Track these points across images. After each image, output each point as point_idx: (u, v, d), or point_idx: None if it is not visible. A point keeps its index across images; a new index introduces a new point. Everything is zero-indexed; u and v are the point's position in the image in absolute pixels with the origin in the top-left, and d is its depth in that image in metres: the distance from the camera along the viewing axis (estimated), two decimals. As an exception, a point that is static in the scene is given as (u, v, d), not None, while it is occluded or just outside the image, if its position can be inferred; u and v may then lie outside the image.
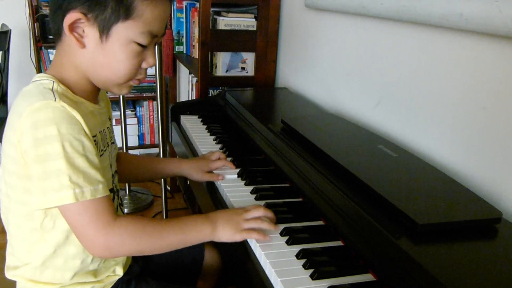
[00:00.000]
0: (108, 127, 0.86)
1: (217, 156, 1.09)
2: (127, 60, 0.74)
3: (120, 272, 0.87)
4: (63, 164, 0.66)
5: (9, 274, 0.81)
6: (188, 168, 1.06)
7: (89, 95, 0.79)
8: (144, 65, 0.78)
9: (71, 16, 0.70)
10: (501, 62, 0.83)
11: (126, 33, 0.72)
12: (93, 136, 0.74)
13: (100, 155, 0.77)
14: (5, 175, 0.75)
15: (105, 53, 0.73)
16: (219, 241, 0.80)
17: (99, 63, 0.74)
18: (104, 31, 0.71)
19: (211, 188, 1.05)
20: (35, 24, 2.39)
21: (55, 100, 0.68)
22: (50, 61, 2.50)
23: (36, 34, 2.41)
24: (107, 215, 0.71)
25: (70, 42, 0.73)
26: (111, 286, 0.86)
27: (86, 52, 0.73)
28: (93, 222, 0.70)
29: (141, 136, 2.82)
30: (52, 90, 0.71)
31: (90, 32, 0.72)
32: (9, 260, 0.82)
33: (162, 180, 2.01)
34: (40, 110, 0.67)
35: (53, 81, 0.73)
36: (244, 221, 0.80)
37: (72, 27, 0.71)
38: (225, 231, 0.79)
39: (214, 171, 1.06)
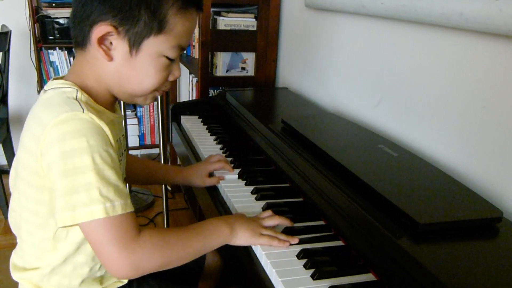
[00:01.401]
0: (123, 135, 0.84)
1: (217, 158, 1.09)
2: (156, 74, 0.72)
3: (125, 279, 0.86)
4: (93, 177, 0.63)
5: (15, 276, 0.80)
6: (188, 176, 1.06)
7: (109, 104, 0.76)
8: (170, 77, 0.76)
9: (102, 29, 0.67)
10: (501, 61, 0.83)
11: (157, 47, 0.70)
12: None
13: None
14: (19, 183, 0.72)
15: (133, 66, 0.71)
16: (234, 245, 0.79)
17: (125, 76, 0.72)
18: (135, 45, 0.69)
19: (212, 188, 1.05)
20: (35, 25, 2.39)
21: (83, 112, 0.65)
22: (51, 62, 2.51)
23: (37, 35, 2.41)
24: (133, 230, 0.67)
25: (96, 54, 0.70)
26: None
27: (112, 65, 0.71)
28: (118, 238, 0.65)
29: (141, 137, 2.82)
30: (76, 99, 0.68)
31: (118, 45, 0.69)
32: (17, 261, 0.80)
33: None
34: (68, 121, 0.64)
35: (77, 90, 0.70)
36: (261, 227, 0.80)
37: (102, 39, 0.69)
38: (242, 234, 0.78)
39: (215, 174, 1.06)
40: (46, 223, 0.72)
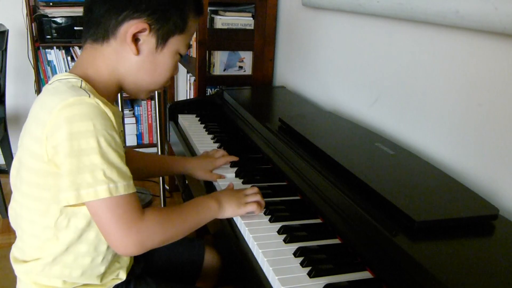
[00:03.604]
0: (122, 130, 0.85)
1: (221, 153, 1.11)
2: (171, 68, 0.81)
3: (123, 276, 0.87)
4: (98, 158, 0.66)
5: (16, 268, 0.81)
6: (193, 167, 1.08)
7: (111, 97, 0.79)
8: (174, 73, 0.84)
9: (138, 26, 0.73)
10: (496, 59, 0.83)
11: (177, 45, 0.79)
12: None
13: None
14: (22, 170, 0.74)
15: (155, 61, 0.78)
16: (223, 217, 0.86)
17: (145, 70, 0.78)
18: (162, 42, 0.76)
19: (209, 187, 1.05)
20: (33, 24, 2.39)
21: (89, 97, 0.69)
22: (48, 62, 2.50)
23: (34, 34, 2.41)
24: (138, 210, 0.71)
25: (118, 47, 0.75)
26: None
27: (135, 59, 0.76)
28: (125, 217, 0.69)
29: (139, 136, 2.82)
30: (81, 87, 0.72)
31: (147, 41, 0.75)
32: (17, 254, 0.81)
33: (160, 179, 2.01)
34: (75, 105, 0.66)
35: (81, 80, 0.73)
36: (245, 196, 0.88)
37: (135, 35, 0.74)
38: (229, 206, 0.86)
39: (216, 171, 1.07)
40: (48, 209, 0.73)
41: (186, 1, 0.78)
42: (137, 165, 1.04)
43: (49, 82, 0.75)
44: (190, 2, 0.79)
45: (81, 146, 0.66)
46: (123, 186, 0.68)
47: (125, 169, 0.70)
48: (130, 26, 0.73)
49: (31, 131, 0.71)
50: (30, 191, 0.74)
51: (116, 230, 0.69)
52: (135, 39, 0.75)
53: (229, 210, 0.86)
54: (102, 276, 0.83)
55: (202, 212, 0.83)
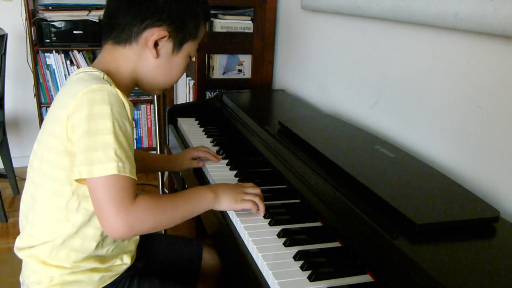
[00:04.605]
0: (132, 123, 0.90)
1: (202, 148, 1.16)
2: (183, 69, 0.89)
3: (128, 260, 0.88)
4: (112, 139, 0.71)
5: (20, 254, 0.83)
6: (173, 160, 1.16)
7: (126, 92, 0.84)
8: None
9: (160, 33, 0.81)
10: (496, 60, 0.83)
11: (190, 49, 0.87)
12: None
13: None
14: (43, 151, 0.79)
15: (171, 63, 0.86)
16: (218, 209, 0.88)
17: (162, 70, 0.86)
18: (178, 47, 0.85)
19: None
20: (32, 28, 2.39)
21: (110, 86, 0.75)
22: (47, 66, 2.50)
23: (33, 38, 2.41)
24: (131, 195, 0.74)
25: (139, 50, 0.83)
26: (118, 275, 0.87)
27: (154, 61, 0.84)
28: (117, 198, 0.72)
29: (138, 140, 2.82)
30: (104, 79, 0.78)
31: (165, 45, 0.84)
32: (24, 242, 0.83)
33: (160, 183, 2.01)
34: (98, 91, 0.73)
35: (103, 74, 0.80)
36: (243, 193, 0.89)
37: (156, 41, 0.82)
38: (226, 199, 0.87)
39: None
40: (61, 190, 0.78)
41: (199, 10, 0.86)
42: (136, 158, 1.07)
43: (73, 74, 0.82)
44: (201, 10, 0.87)
45: (98, 127, 0.71)
46: (129, 168, 0.72)
47: (131, 154, 0.75)
48: (152, 33, 0.81)
49: (55, 114, 0.77)
50: (47, 170, 0.78)
51: (108, 209, 0.72)
52: (155, 44, 0.82)
53: (225, 203, 0.87)
54: (104, 259, 0.85)
55: (196, 201, 0.84)
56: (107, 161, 0.71)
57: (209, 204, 0.86)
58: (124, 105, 0.75)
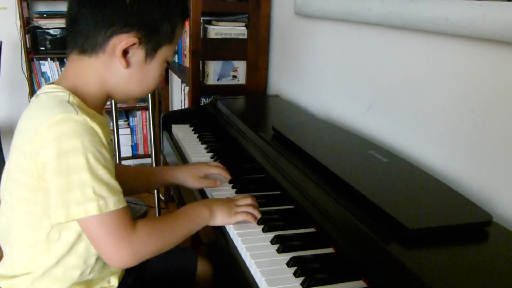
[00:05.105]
0: (111, 139, 0.85)
1: (216, 164, 1.09)
2: (159, 77, 0.80)
3: (115, 282, 0.86)
4: (87, 176, 0.66)
5: (2, 284, 0.79)
6: (183, 176, 1.05)
7: (99, 107, 0.79)
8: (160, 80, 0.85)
9: (128, 41, 0.72)
10: (486, 64, 0.83)
11: (165, 54, 0.78)
12: None
13: None
14: (11, 186, 0.74)
15: (144, 71, 0.77)
16: (213, 225, 0.87)
17: (135, 80, 0.77)
18: (152, 53, 0.76)
19: (203, 197, 1.04)
20: (27, 35, 2.39)
21: (77, 114, 0.68)
22: (42, 73, 2.50)
23: (28, 46, 2.41)
24: (129, 223, 0.71)
25: (106, 60, 0.74)
26: None
27: (125, 71, 0.75)
28: (117, 231, 0.70)
29: (134, 146, 2.81)
30: (69, 102, 0.70)
31: (136, 53, 0.75)
32: (5, 271, 0.80)
33: (156, 190, 2.00)
34: (63, 123, 0.66)
35: (69, 94, 0.72)
36: (236, 206, 0.88)
37: (125, 50, 0.73)
38: (220, 214, 0.86)
39: (212, 177, 1.06)
40: (39, 223, 0.73)
41: (174, 10, 0.76)
42: (125, 178, 1.02)
43: (36, 94, 0.75)
44: (177, 10, 0.77)
45: (69, 164, 0.65)
46: (113, 202, 0.68)
47: (115, 183, 0.70)
48: (120, 41, 0.72)
49: (18, 145, 0.71)
50: (20, 206, 0.73)
51: (108, 244, 0.70)
52: (124, 52, 0.74)
53: (219, 218, 0.86)
54: (91, 284, 0.82)
55: (193, 220, 0.84)
56: (86, 201, 0.66)
57: (205, 220, 0.85)
58: (95, 132, 0.69)
